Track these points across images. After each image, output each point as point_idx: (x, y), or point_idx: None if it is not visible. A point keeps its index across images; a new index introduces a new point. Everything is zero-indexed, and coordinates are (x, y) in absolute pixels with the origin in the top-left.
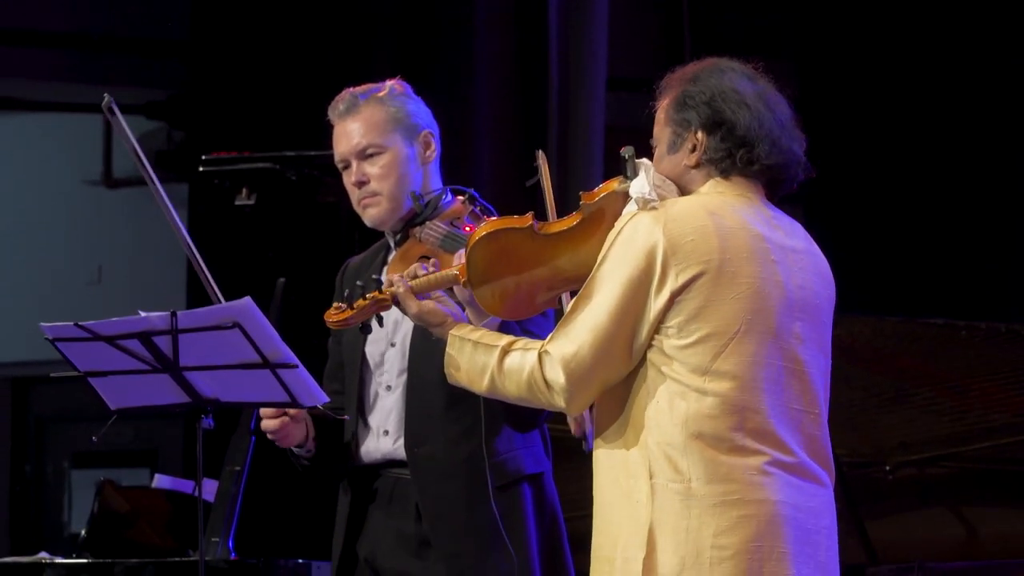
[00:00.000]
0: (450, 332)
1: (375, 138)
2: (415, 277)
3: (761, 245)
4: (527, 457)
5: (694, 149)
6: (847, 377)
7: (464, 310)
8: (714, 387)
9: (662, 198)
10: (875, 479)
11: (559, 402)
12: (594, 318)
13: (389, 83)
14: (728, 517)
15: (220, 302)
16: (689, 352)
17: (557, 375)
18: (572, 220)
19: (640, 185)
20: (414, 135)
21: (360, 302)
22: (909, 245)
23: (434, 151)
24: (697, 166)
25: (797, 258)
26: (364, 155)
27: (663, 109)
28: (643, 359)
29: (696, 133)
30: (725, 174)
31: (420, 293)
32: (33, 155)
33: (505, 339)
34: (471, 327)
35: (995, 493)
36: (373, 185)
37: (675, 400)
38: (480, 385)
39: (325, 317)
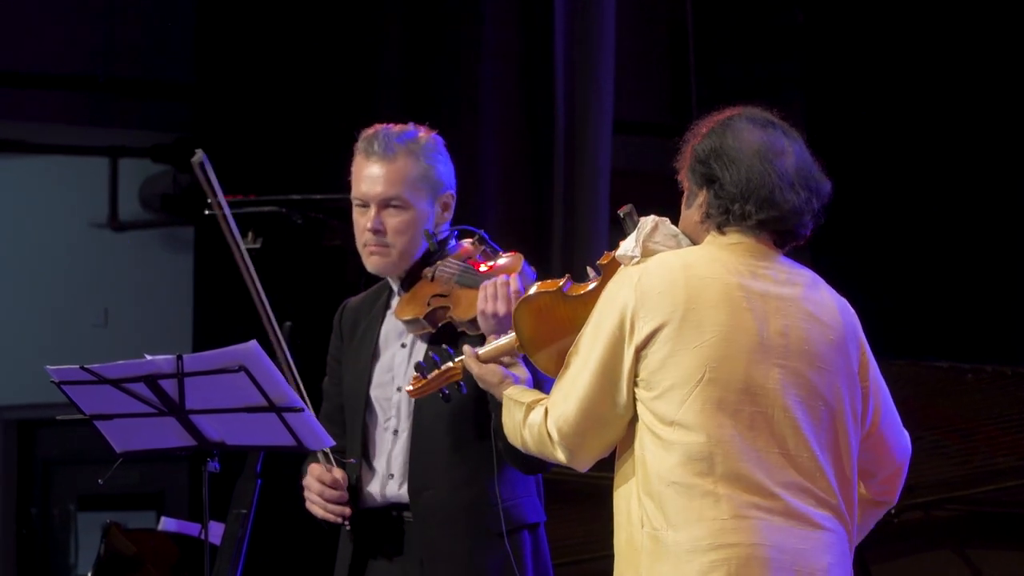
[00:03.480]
0: (504, 393)
1: (403, 192)
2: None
3: (733, 294)
4: (528, 506)
5: (701, 205)
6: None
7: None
8: (679, 437)
9: (651, 253)
10: (880, 522)
11: (560, 456)
12: (579, 376)
13: (423, 133)
14: (700, 563)
15: (275, 328)
16: (658, 403)
17: (553, 431)
18: (593, 279)
19: (627, 243)
20: (437, 195)
21: (435, 372)
22: (915, 288)
23: (451, 212)
24: (702, 221)
25: (782, 304)
26: (387, 204)
27: (683, 167)
28: (636, 412)
29: (701, 190)
30: (721, 228)
31: (486, 361)
32: (39, 198)
33: (533, 396)
34: (521, 388)
35: (1001, 536)
36: (388, 237)
37: (654, 450)
38: (517, 442)
39: (406, 390)
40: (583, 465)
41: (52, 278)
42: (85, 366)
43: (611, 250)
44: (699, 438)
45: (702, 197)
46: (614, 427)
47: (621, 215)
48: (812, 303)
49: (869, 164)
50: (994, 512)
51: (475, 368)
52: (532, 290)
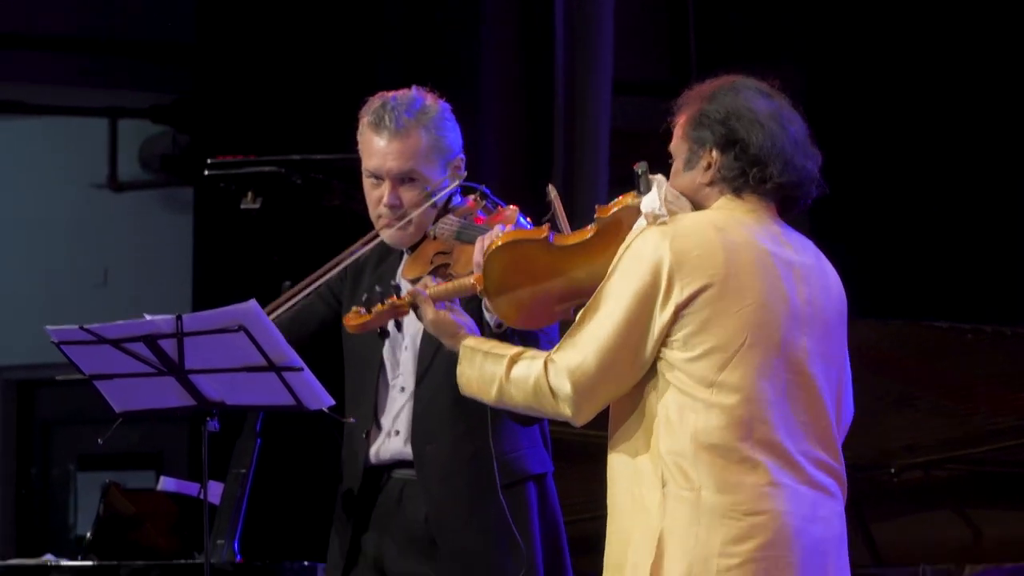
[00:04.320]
0: (462, 343)
1: (417, 166)
2: (429, 286)
3: (767, 260)
4: (532, 457)
5: (708, 167)
6: (852, 380)
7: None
8: (720, 399)
9: (672, 213)
10: (880, 482)
11: (565, 410)
12: (600, 329)
13: (430, 102)
14: (737, 527)
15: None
16: (695, 365)
17: (563, 384)
18: (586, 233)
19: (651, 200)
20: (448, 162)
21: (379, 307)
22: (915, 249)
23: (462, 176)
24: (711, 184)
25: (805, 273)
26: (403, 180)
27: (681, 125)
28: (654, 370)
29: (711, 152)
30: (738, 192)
31: (437, 302)
32: (39, 159)
33: (514, 349)
34: (483, 339)
35: (1000, 496)
36: (406, 210)
37: (684, 411)
38: (489, 395)
39: (345, 321)
40: (584, 420)
41: (52, 239)
42: (84, 326)
43: (605, 204)
44: (740, 402)
45: (712, 158)
46: (627, 383)
47: (639, 172)
48: (821, 273)
49: (869, 122)
50: (994, 472)
51: (430, 313)
52: (513, 236)
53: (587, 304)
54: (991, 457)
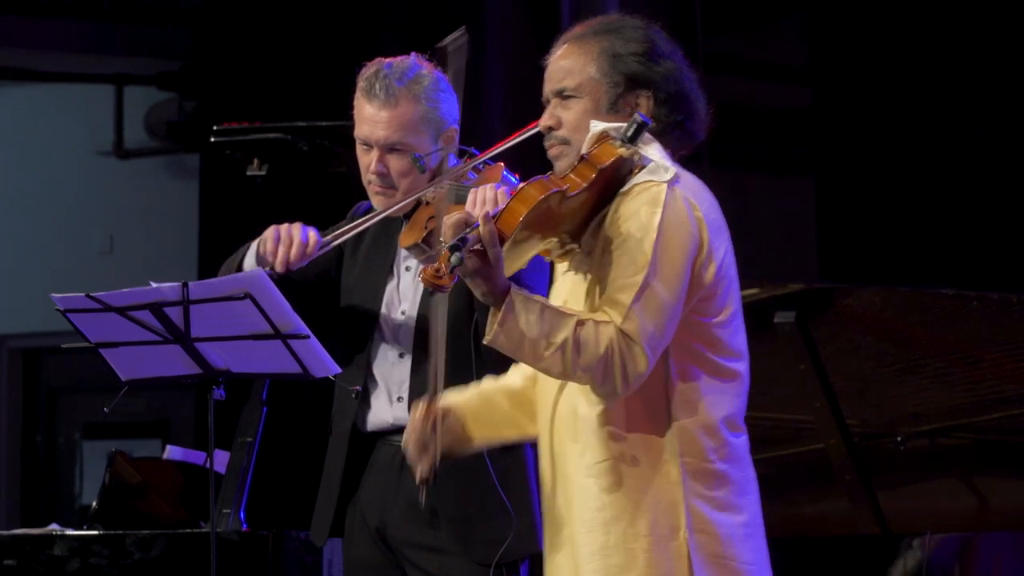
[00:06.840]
0: (512, 293)
1: (405, 136)
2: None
3: (722, 214)
4: None
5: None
6: (857, 347)
7: None
8: (736, 366)
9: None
10: (887, 450)
11: (630, 385)
12: (663, 295)
13: (426, 71)
14: (746, 495)
15: None
16: (720, 330)
17: (638, 356)
18: (586, 180)
19: (658, 154)
20: (440, 132)
21: (456, 270)
22: (920, 215)
23: (455, 144)
24: None
25: None
26: (391, 149)
27: (591, 62)
28: None
29: (640, 97)
30: (665, 142)
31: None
32: (45, 126)
33: (574, 308)
34: (527, 291)
35: (1006, 464)
36: (393, 179)
37: (704, 379)
38: (538, 354)
39: (423, 276)
40: (621, 396)
41: (57, 206)
42: (90, 294)
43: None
44: (745, 370)
45: (645, 105)
46: None
47: (645, 123)
48: None
49: (875, 82)
50: (1000, 440)
51: (498, 252)
52: (540, 191)
53: (646, 271)
54: (997, 425)
